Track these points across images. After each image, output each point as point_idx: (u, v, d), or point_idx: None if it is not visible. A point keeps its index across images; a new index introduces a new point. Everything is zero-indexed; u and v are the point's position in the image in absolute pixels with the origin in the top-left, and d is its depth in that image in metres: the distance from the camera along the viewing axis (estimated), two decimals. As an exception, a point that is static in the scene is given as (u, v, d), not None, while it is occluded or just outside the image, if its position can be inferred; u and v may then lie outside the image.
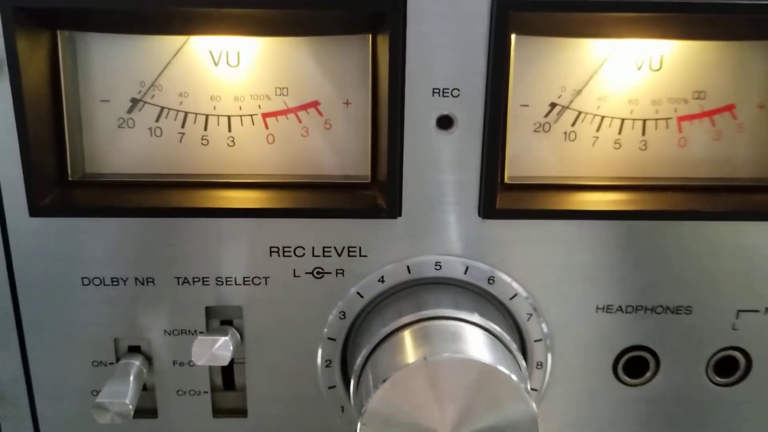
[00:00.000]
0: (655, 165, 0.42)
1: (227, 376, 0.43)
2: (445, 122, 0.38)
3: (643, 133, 0.42)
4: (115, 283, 0.40)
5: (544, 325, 0.41)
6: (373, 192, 0.41)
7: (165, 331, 0.41)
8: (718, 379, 0.43)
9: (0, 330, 0.41)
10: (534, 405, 0.34)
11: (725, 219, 0.40)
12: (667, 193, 0.41)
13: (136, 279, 0.40)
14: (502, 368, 0.34)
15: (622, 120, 0.41)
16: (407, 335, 0.37)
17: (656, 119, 0.41)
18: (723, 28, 0.39)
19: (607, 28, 0.38)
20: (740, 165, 0.42)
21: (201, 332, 0.41)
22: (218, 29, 0.38)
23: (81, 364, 0.42)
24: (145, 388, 0.42)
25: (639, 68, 0.40)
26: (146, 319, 0.41)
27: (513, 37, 0.37)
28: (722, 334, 0.42)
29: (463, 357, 0.34)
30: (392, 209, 0.39)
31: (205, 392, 0.42)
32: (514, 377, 0.34)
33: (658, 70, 0.41)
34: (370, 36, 0.39)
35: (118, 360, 0.41)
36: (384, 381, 0.34)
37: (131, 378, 0.40)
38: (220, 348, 0.39)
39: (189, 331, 0.41)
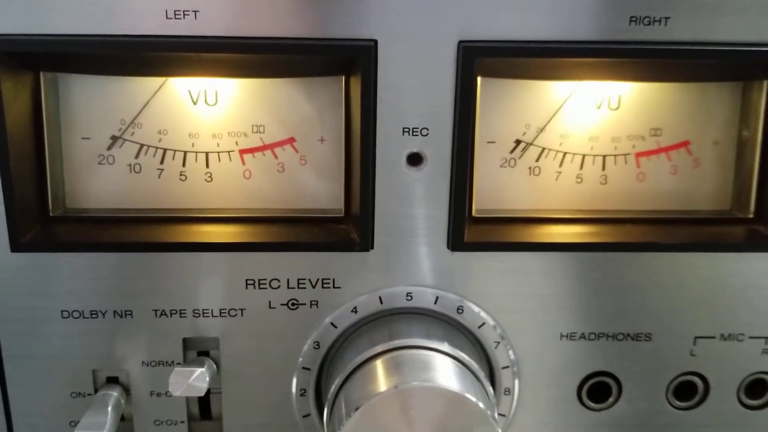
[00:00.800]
0: (615, 199, 0.43)
1: (204, 405, 0.43)
2: (415, 159, 0.39)
3: (603, 168, 0.43)
4: (94, 316, 0.41)
5: (511, 353, 0.42)
6: (347, 226, 0.41)
7: (143, 362, 0.41)
8: (677, 403, 0.44)
9: (-21, 362, 0.41)
10: (500, 431, 0.36)
11: (682, 250, 0.41)
12: (627, 225, 0.43)
13: (115, 312, 0.41)
14: (469, 396, 0.35)
15: (584, 156, 0.43)
16: (379, 364, 0.38)
17: (615, 155, 0.43)
18: (676, 72, 0.41)
19: (566, 72, 0.40)
20: (696, 198, 0.44)
21: (178, 363, 0.41)
22: (197, 72, 0.39)
23: (60, 396, 0.42)
24: (123, 418, 0.42)
25: (599, 107, 0.42)
26: (124, 350, 0.41)
27: (479, 79, 0.38)
28: (681, 359, 0.43)
29: (432, 385, 0.35)
30: (365, 242, 0.40)
31: (182, 422, 0.43)
32: (481, 405, 0.35)
33: (616, 109, 0.42)
34: (344, 77, 0.40)
35: (96, 391, 0.42)
36: (356, 409, 0.35)
37: (109, 409, 0.40)
38: (197, 379, 0.39)
39: (166, 362, 0.41)
